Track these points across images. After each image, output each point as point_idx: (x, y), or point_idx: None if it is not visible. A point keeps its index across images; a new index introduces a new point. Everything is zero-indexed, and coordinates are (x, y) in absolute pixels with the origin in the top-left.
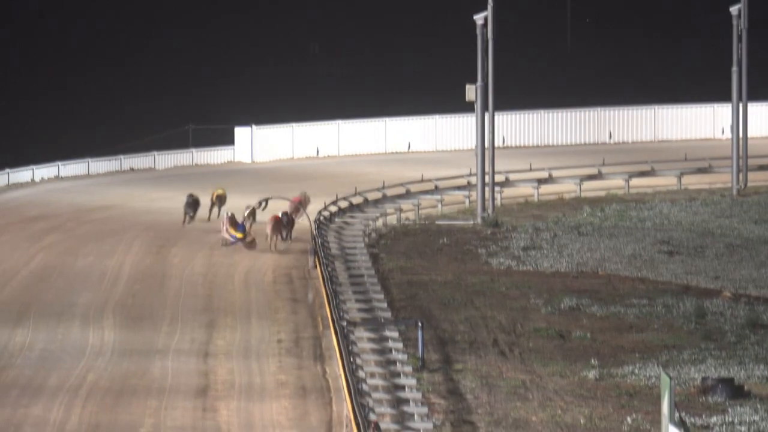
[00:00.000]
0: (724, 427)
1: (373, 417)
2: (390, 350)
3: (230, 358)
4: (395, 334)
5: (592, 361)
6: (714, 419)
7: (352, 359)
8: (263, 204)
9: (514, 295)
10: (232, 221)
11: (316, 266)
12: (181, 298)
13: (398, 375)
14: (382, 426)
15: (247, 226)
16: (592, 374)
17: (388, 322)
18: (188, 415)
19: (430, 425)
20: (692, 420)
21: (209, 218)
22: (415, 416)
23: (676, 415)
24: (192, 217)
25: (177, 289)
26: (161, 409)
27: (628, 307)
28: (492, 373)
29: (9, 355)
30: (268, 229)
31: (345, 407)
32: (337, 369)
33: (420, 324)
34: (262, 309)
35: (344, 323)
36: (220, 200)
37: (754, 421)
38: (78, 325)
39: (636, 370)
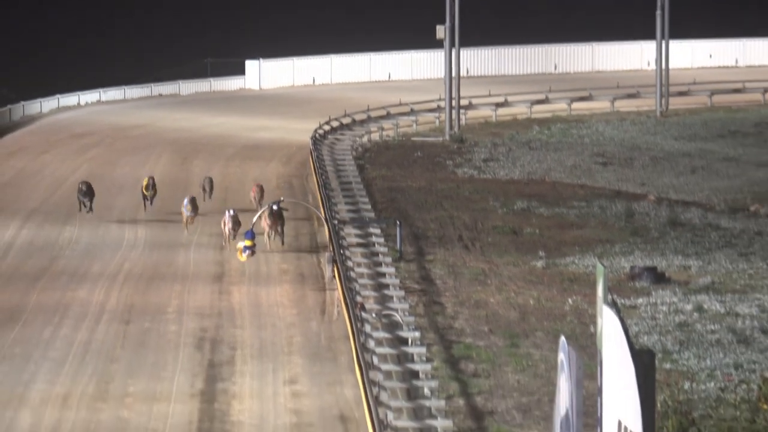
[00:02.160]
0: (648, 307)
1: (359, 299)
2: (373, 244)
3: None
4: (378, 231)
5: (540, 252)
6: (640, 300)
7: (341, 251)
8: (274, 207)
9: (475, 199)
10: (235, 220)
11: (335, 276)
12: (201, 201)
13: (380, 264)
14: (367, 306)
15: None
16: (540, 264)
17: (372, 220)
18: (207, 297)
19: (406, 305)
20: (622, 301)
21: (145, 209)
22: (394, 298)
23: (609, 297)
24: (87, 206)
25: (198, 194)
26: (184, 292)
27: (569, 208)
28: (457, 262)
29: (59, 248)
30: (266, 225)
31: (337, 292)
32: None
33: (398, 222)
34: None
35: (335, 222)
36: (152, 188)
37: (672, 302)
38: (116, 223)
39: (576, 260)
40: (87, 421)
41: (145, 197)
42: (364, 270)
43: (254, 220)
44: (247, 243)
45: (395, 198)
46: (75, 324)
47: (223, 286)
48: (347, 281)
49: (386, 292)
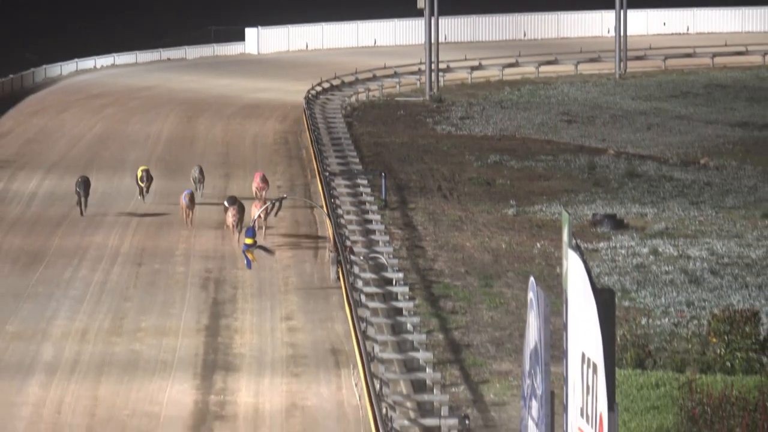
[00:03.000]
0: (608, 250)
1: (348, 242)
2: (361, 194)
3: (242, 200)
4: (365, 182)
5: (511, 201)
6: (601, 244)
7: (332, 201)
8: (277, 205)
9: (453, 153)
10: (238, 205)
11: (339, 278)
12: (206, 156)
13: (367, 212)
14: (355, 249)
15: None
16: (511, 211)
17: (360, 172)
18: (210, 242)
19: (391, 249)
20: (585, 245)
21: (143, 198)
22: (380, 242)
23: (573, 241)
24: (83, 201)
25: (202, 149)
26: (191, 237)
27: (537, 161)
28: (437, 210)
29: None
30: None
31: (328, 235)
32: (321, 208)
33: (383, 174)
34: (266, 163)
35: (327, 174)
36: (148, 177)
37: (630, 246)
38: (129, 175)
39: (543, 209)
40: (103, 353)
41: (141, 188)
42: (352, 217)
43: (254, 217)
44: (247, 240)
45: (380, 152)
46: (92, 266)
47: (226, 232)
48: (338, 227)
49: (372, 237)
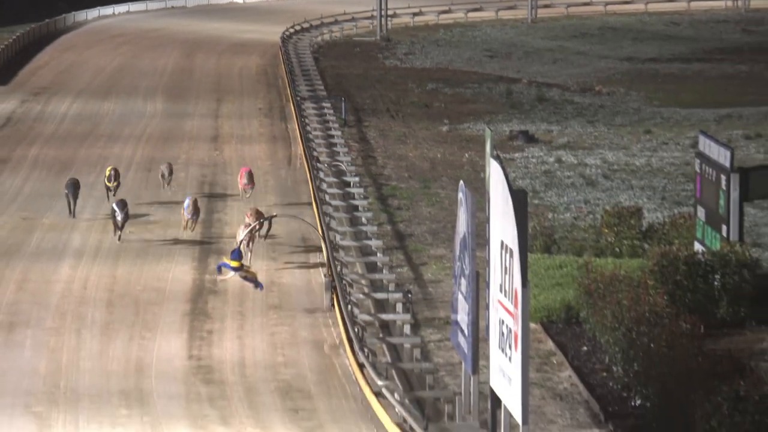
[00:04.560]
0: (522, 159)
1: (315, 153)
2: (325, 114)
3: (230, 119)
4: (328, 105)
5: (445, 120)
6: (517, 155)
7: (303, 120)
8: (267, 224)
9: (398, 82)
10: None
11: (333, 306)
12: (202, 84)
13: (330, 129)
14: (321, 158)
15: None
16: (444, 128)
17: (324, 98)
18: (206, 152)
19: (349, 158)
20: (504, 155)
21: (109, 198)
22: (340, 153)
23: (494, 152)
24: (72, 203)
25: (199, 79)
26: (190, 149)
27: (466, 88)
28: (385, 128)
29: (100, 117)
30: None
31: (299, 148)
32: (294, 126)
33: (343, 99)
34: (250, 91)
35: (298, 98)
36: (116, 176)
37: (539, 156)
38: (141, 99)
39: (470, 126)
40: (120, 241)
41: (108, 189)
42: (318, 132)
43: (240, 238)
44: (233, 263)
45: (341, 81)
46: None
47: (218, 144)
48: (307, 141)
49: (334, 148)
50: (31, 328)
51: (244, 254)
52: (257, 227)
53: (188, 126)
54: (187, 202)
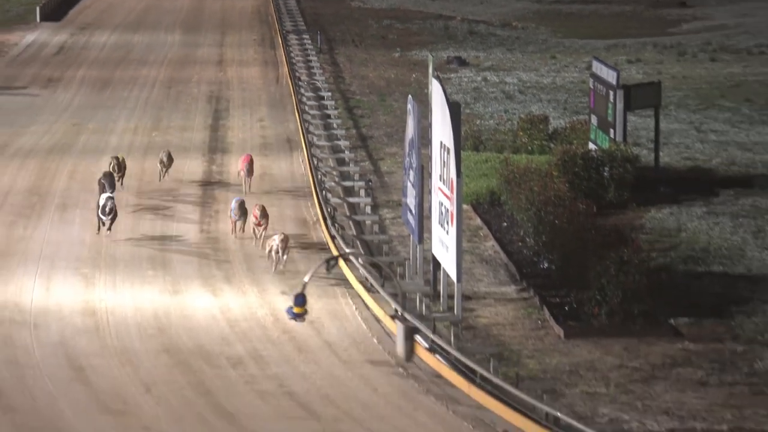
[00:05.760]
0: (456, 79)
1: (297, 74)
2: (305, 44)
3: (232, 47)
4: (307, 37)
5: (397, 49)
6: (452, 75)
7: (287, 49)
8: (331, 264)
9: (361, 19)
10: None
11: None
12: (210, 21)
13: (308, 55)
14: (302, 78)
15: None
16: (397, 55)
17: (304, 31)
18: (213, 73)
19: (323, 78)
20: (443, 75)
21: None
22: (317, 74)
23: (435, 73)
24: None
25: (208, 17)
26: (201, 71)
27: (413, 24)
28: (351, 54)
29: (132, 46)
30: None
31: (284, 69)
32: (281, 53)
33: (319, 32)
34: (247, 26)
35: (285, 31)
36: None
37: (470, 76)
38: (163, 32)
39: (417, 53)
40: (147, 141)
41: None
42: (299, 58)
43: (306, 280)
44: (296, 309)
45: (317, 19)
46: (140, 88)
47: (222, 67)
48: (291, 64)
49: (312, 70)
50: (79, 208)
51: (279, 261)
52: (281, 243)
53: (199, 53)
54: (234, 204)
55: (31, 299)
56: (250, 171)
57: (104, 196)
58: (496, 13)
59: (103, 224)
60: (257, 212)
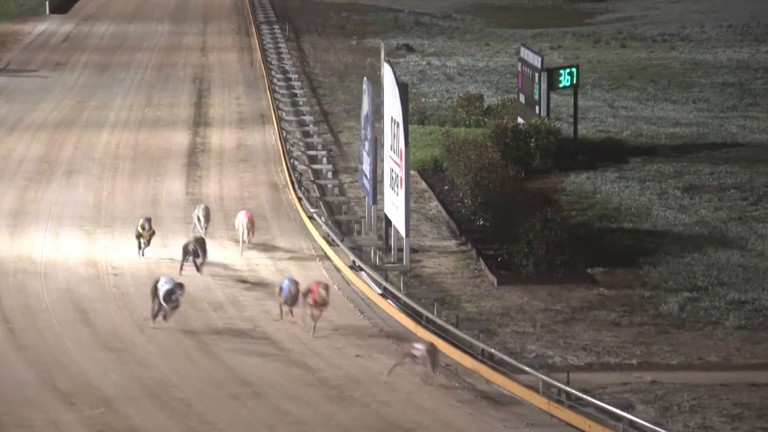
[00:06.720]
0: (405, 63)
1: (268, 59)
2: (275, 33)
3: (213, 35)
4: (277, 27)
5: (354, 37)
6: (401, 60)
7: (260, 37)
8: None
9: (324, 12)
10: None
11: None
12: (194, 13)
13: (278, 42)
14: (273, 62)
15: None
16: (354, 42)
17: (275, 22)
18: (197, 58)
19: (291, 62)
20: (393, 60)
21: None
22: (285, 58)
23: (387, 58)
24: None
25: (193, 9)
26: (187, 56)
27: (367, 16)
28: (315, 42)
29: (127, 35)
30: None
31: (258, 55)
32: (254, 40)
33: (287, 23)
34: (225, 17)
35: (257, 22)
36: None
37: (416, 60)
38: (154, 23)
39: (371, 40)
40: (141, 117)
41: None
42: (270, 45)
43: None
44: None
45: (285, 12)
46: (135, 71)
47: (205, 52)
48: (264, 50)
49: (282, 55)
50: (82, 174)
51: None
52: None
53: (185, 41)
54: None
55: (41, 252)
56: (251, 228)
57: (168, 283)
58: (439, 6)
59: (162, 314)
60: (322, 292)
